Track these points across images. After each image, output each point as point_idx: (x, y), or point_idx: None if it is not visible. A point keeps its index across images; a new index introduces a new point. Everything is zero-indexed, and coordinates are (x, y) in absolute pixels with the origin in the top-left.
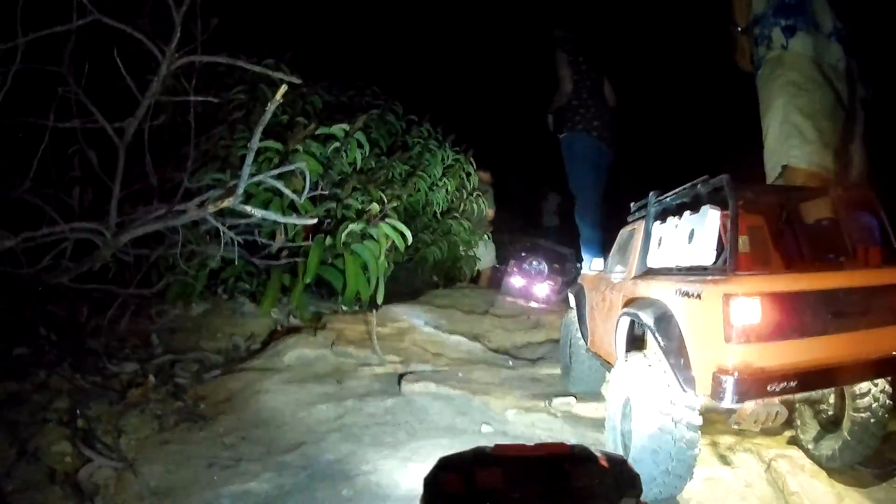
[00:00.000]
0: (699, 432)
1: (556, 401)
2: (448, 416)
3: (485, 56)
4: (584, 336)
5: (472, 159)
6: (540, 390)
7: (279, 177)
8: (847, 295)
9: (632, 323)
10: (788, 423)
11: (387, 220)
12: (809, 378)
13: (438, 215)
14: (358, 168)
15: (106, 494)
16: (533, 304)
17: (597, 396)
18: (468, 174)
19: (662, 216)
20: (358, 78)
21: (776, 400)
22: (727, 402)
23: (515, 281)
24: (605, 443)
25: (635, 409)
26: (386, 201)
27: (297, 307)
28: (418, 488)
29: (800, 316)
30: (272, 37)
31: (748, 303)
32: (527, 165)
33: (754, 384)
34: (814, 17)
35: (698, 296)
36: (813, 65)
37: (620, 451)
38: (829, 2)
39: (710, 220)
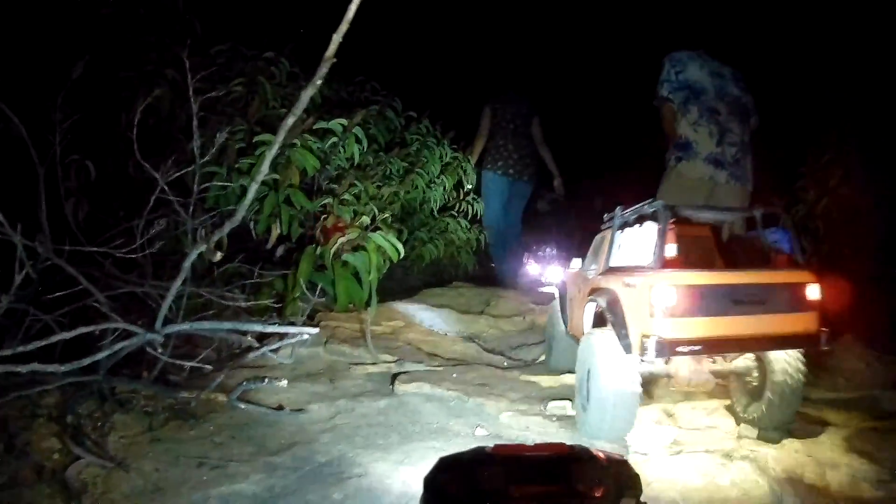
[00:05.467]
0: (640, 389)
1: (552, 404)
2: (441, 418)
3: (484, 54)
4: (565, 321)
5: (469, 157)
6: (535, 393)
7: (274, 170)
8: (743, 289)
9: (597, 307)
10: (737, 412)
11: (378, 232)
12: (711, 345)
13: (435, 213)
14: (355, 164)
15: (94, 493)
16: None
17: None
18: (466, 172)
19: (624, 226)
20: (358, 73)
21: (706, 369)
22: (649, 357)
23: (531, 269)
24: (574, 399)
25: (593, 371)
26: (377, 213)
27: (292, 315)
28: (410, 492)
29: (704, 301)
30: (273, 29)
31: (666, 290)
32: None
33: (668, 345)
34: (695, 149)
35: (634, 285)
36: (685, 183)
37: (585, 406)
38: (709, 135)
39: (650, 232)
